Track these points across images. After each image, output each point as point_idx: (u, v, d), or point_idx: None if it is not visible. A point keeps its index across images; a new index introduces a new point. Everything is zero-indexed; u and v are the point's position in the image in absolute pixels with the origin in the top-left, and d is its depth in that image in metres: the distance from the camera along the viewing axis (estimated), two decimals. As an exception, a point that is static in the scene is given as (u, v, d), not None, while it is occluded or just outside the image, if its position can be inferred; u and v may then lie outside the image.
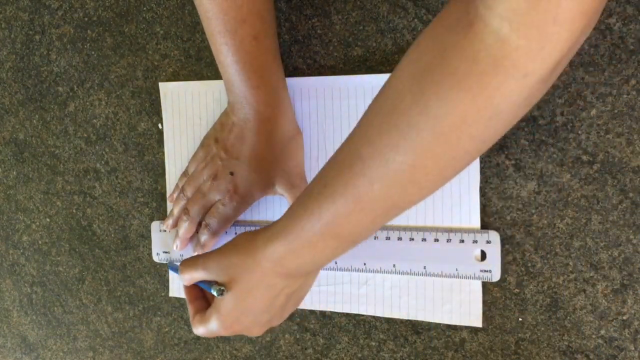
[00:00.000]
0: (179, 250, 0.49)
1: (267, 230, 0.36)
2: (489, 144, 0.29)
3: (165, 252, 0.51)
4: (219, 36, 0.41)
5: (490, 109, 0.26)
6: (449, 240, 0.43)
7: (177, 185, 0.50)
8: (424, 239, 0.44)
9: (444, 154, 0.28)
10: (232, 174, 0.45)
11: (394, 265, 0.45)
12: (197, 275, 0.39)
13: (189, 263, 0.40)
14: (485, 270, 0.43)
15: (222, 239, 0.49)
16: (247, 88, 0.42)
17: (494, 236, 0.43)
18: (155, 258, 0.52)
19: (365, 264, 0.45)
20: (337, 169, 0.32)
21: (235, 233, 0.48)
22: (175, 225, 0.48)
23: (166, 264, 0.53)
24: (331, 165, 0.33)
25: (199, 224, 0.47)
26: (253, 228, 0.48)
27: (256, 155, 0.44)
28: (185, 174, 0.49)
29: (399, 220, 0.45)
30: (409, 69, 0.28)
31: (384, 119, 0.29)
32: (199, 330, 0.40)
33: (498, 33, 0.24)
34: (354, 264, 0.46)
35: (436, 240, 0.44)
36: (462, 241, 0.43)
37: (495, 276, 0.43)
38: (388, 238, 0.45)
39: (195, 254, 0.48)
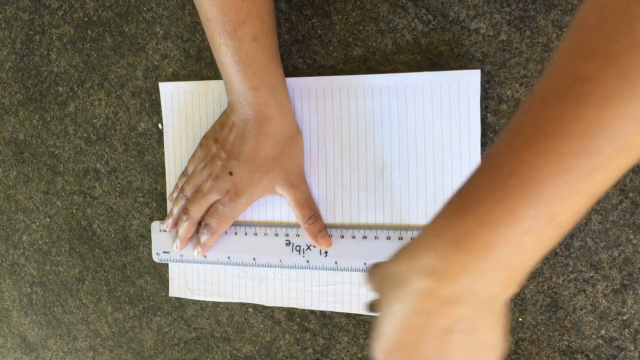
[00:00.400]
0: (179, 250, 0.49)
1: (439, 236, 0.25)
2: None
3: (166, 252, 0.51)
4: (219, 37, 0.41)
5: None
6: None
7: (176, 185, 0.50)
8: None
9: None
10: (231, 174, 0.45)
11: None
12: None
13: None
14: None
15: (221, 239, 0.49)
16: (246, 89, 0.42)
17: None
18: (156, 258, 0.52)
19: (365, 264, 0.45)
20: (566, 106, 0.22)
21: (235, 233, 0.48)
22: (175, 225, 0.49)
23: (166, 264, 0.53)
24: (550, 108, 0.22)
25: (199, 224, 0.47)
26: (252, 228, 0.48)
27: (256, 155, 0.44)
28: (184, 173, 0.49)
29: (397, 219, 0.45)
30: None
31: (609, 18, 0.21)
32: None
33: None
34: (354, 264, 0.46)
35: None
36: None
37: None
38: (389, 238, 0.45)
39: (195, 253, 0.48)
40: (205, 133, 0.48)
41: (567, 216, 0.23)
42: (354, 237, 0.45)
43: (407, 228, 0.45)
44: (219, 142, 0.45)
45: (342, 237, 0.46)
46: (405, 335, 0.26)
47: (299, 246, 0.47)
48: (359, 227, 0.46)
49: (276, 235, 0.47)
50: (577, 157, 0.21)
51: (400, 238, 0.44)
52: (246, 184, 0.45)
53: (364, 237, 0.45)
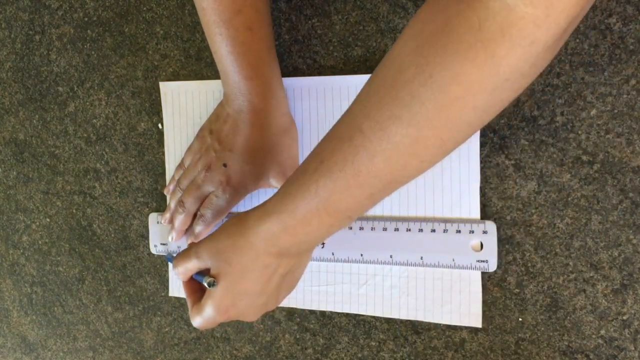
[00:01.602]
0: (175, 241, 0.49)
1: (258, 210, 0.36)
2: (492, 115, 0.29)
3: (163, 244, 0.51)
4: (214, 26, 0.41)
5: (495, 78, 0.26)
6: (445, 231, 0.43)
7: (173, 177, 0.50)
8: (420, 230, 0.44)
9: (446, 125, 0.28)
10: (225, 165, 0.45)
11: (390, 256, 0.45)
12: (190, 265, 0.39)
13: (181, 255, 0.40)
14: (481, 261, 0.43)
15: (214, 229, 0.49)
16: (241, 79, 0.42)
17: (491, 226, 0.43)
18: (153, 250, 0.52)
19: (362, 255, 0.45)
20: (335, 143, 0.31)
21: None
22: (172, 219, 0.49)
23: (164, 255, 0.53)
24: (328, 141, 0.32)
25: (195, 215, 0.47)
26: None
27: (250, 147, 0.44)
28: (181, 165, 0.49)
29: (396, 211, 0.45)
30: (411, 41, 0.28)
31: (386, 91, 0.29)
32: (196, 320, 0.39)
33: (504, 0, 0.23)
34: (351, 255, 0.46)
35: (433, 230, 0.44)
36: (458, 231, 0.43)
37: (492, 266, 0.43)
38: (385, 229, 0.45)
39: (189, 243, 0.48)
40: (202, 125, 0.48)
41: (347, 220, 0.34)
42: (351, 228, 0.45)
43: (404, 219, 0.45)
44: (214, 133, 0.45)
45: None
46: (253, 285, 0.37)
47: None
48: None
49: None
50: (357, 188, 0.31)
51: (397, 229, 0.44)
52: (240, 176, 0.45)
53: (361, 229, 0.45)
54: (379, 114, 0.29)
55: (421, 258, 0.44)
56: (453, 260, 0.43)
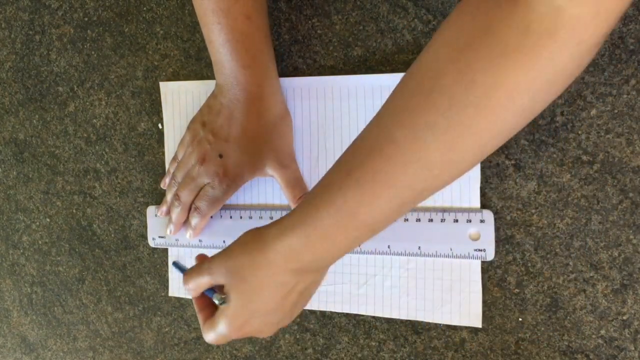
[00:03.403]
0: (173, 234, 0.49)
1: (278, 225, 0.34)
2: (532, 118, 0.28)
3: (161, 237, 0.51)
4: (212, 15, 0.41)
5: (541, 79, 0.25)
6: (443, 220, 0.43)
7: (168, 170, 0.50)
8: (418, 220, 0.44)
9: (486, 130, 0.27)
10: (221, 156, 0.44)
11: (388, 247, 0.45)
12: (203, 281, 0.38)
13: (193, 271, 0.38)
14: (479, 250, 0.43)
15: (216, 223, 0.49)
16: (238, 67, 0.42)
17: (488, 215, 0.43)
18: (151, 243, 0.52)
19: (360, 246, 0.45)
20: (363, 155, 0.30)
21: (230, 217, 0.48)
22: (169, 212, 0.49)
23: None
24: (355, 152, 0.31)
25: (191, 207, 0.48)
26: (246, 212, 0.48)
27: (246, 136, 0.44)
28: (175, 159, 0.49)
29: None
30: (447, 47, 0.27)
31: (421, 98, 0.28)
32: (209, 336, 0.38)
33: (552, 3, 0.23)
34: None
35: (430, 220, 0.44)
36: (456, 220, 0.43)
37: (490, 255, 0.43)
38: None
39: (188, 235, 0.48)
40: (193, 117, 0.47)
41: (374, 232, 0.33)
42: None
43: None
44: (207, 125, 0.45)
45: None
46: (270, 304, 0.36)
47: None
48: None
49: (271, 218, 0.47)
50: (387, 199, 0.30)
51: (406, 219, 0.44)
52: (236, 166, 0.45)
53: None
54: (414, 122, 0.28)
55: (419, 248, 0.44)
56: (451, 249, 0.43)
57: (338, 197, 0.31)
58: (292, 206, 0.46)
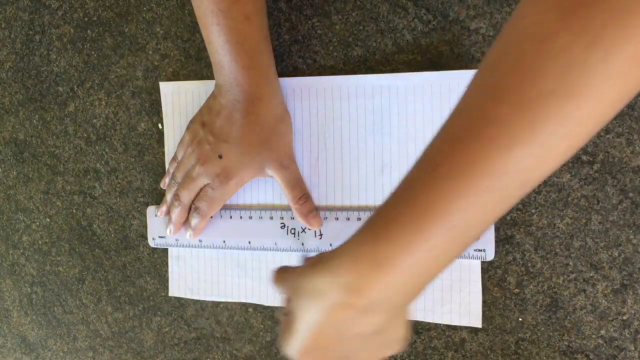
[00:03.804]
0: (173, 234, 0.50)
1: (340, 249, 0.28)
2: None
3: (161, 237, 0.51)
4: (211, 16, 0.41)
5: None
6: None
7: (168, 170, 0.50)
8: None
9: (614, 91, 0.23)
10: (220, 157, 0.44)
11: None
12: (280, 290, 0.34)
13: (280, 273, 0.35)
14: (478, 250, 0.43)
15: (217, 223, 0.49)
16: (237, 68, 0.42)
17: None
18: (151, 243, 0.52)
19: None
20: (452, 143, 0.25)
21: (230, 217, 0.49)
22: (169, 212, 0.49)
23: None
24: (440, 143, 0.26)
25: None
26: (247, 212, 0.48)
27: (246, 137, 0.44)
28: (174, 159, 0.49)
29: None
30: (552, 10, 0.23)
31: (525, 67, 0.24)
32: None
33: None
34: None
35: None
36: None
37: (489, 255, 0.43)
38: None
39: (188, 236, 0.48)
40: (193, 117, 0.47)
41: (470, 241, 0.27)
42: (349, 219, 0.45)
43: None
44: (207, 125, 0.45)
45: (337, 219, 0.46)
46: (322, 339, 0.29)
47: (294, 229, 0.47)
48: (351, 209, 0.46)
49: (271, 218, 0.47)
50: (485, 192, 0.25)
51: None
52: (236, 166, 0.45)
53: (359, 219, 0.45)
54: (519, 96, 0.23)
55: None
56: None
57: (419, 196, 0.26)
58: (292, 206, 0.46)
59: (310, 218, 0.46)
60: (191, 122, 0.47)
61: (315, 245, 0.46)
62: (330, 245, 0.46)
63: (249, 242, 0.48)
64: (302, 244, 0.47)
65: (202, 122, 0.46)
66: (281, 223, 0.47)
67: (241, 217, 0.48)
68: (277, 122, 0.45)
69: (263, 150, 0.45)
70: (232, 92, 0.43)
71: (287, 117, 0.46)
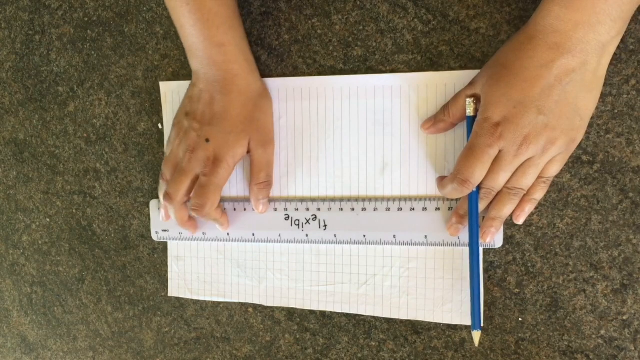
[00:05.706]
0: (194, 233, 0.50)
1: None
2: None
3: (165, 231, 0.51)
4: None
5: None
6: (450, 209, 0.43)
7: (162, 172, 0.48)
8: (424, 209, 0.44)
9: None
10: (208, 140, 0.44)
11: (394, 236, 0.44)
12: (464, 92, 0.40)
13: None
14: None
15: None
16: (211, 47, 0.42)
17: None
18: (155, 237, 0.52)
19: (365, 236, 0.45)
20: None
21: (234, 209, 0.48)
22: (168, 215, 0.49)
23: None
24: None
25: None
26: (247, 204, 0.48)
27: (229, 115, 0.44)
28: (166, 158, 0.48)
29: (397, 191, 0.45)
30: None
31: None
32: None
33: None
34: (354, 236, 0.46)
35: (437, 209, 0.44)
36: None
37: (498, 243, 0.43)
38: (388, 209, 0.44)
39: (222, 230, 0.48)
40: (176, 113, 0.47)
41: None
42: (353, 209, 0.45)
43: (407, 199, 0.45)
44: (190, 114, 0.45)
45: (342, 209, 0.46)
46: (535, 89, 0.35)
47: (298, 220, 0.47)
48: (358, 199, 0.46)
49: (275, 210, 0.47)
50: None
51: (400, 209, 0.44)
52: (225, 147, 0.44)
53: (363, 210, 0.45)
54: None
55: (425, 237, 0.44)
56: (458, 237, 0.43)
57: None
58: (251, 186, 0.46)
59: (260, 203, 0.47)
60: (175, 117, 0.47)
61: (319, 236, 0.46)
62: (335, 236, 0.46)
63: (253, 235, 0.48)
64: (307, 235, 0.47)
65: (186, 113, 0.45)
66: (285, 214, 0.47)
67: (245, 209, 0.48)
68: (257, 99, 0.45)
69: (248, 127, 0.44)
70: (209, 73, 0.43)
71: (266, 94, 0.46)
